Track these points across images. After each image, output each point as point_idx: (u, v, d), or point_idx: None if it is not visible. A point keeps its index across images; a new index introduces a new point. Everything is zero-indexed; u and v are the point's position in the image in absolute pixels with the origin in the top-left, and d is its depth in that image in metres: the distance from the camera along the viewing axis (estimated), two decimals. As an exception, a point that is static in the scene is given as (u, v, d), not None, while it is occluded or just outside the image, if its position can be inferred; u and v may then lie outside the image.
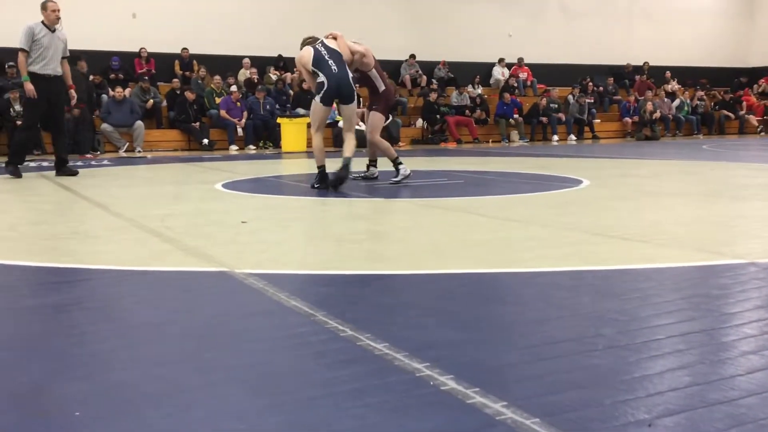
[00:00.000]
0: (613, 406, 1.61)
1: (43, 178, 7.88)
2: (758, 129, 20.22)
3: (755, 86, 21.87)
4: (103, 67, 15.03)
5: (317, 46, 6.56)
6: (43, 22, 7.81)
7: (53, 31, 7.81)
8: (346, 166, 6.28)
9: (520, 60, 19.31)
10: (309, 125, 7.75)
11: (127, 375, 1.86)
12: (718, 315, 2.36)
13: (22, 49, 7.67)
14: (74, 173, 8.12)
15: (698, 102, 19.96)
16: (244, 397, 1.70)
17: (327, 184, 6.32)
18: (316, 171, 6.50)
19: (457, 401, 1.64)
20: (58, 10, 7.86)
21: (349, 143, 6.55)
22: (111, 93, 14.05)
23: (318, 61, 6.43)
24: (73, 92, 8.37)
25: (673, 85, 20.26)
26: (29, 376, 1.87)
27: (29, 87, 7.68)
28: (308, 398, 1.69)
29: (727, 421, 1.52)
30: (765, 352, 1.97)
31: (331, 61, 6.44)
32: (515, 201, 5.65)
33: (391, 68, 17.83)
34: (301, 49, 6.70)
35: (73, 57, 9.21)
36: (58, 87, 7.96)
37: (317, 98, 6.46)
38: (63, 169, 8.11)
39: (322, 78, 6.38)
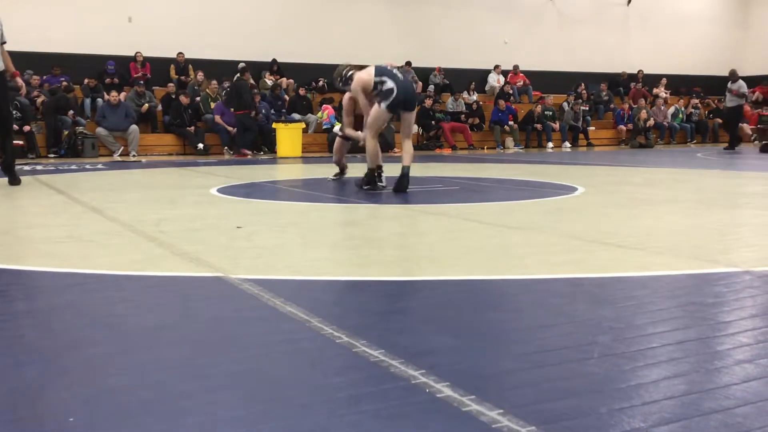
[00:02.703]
0: (609, 414, 1.61)
1: (37, 182, 7.85)
2: (752, 138, 20.29)
3: (749, 94, 21.94)
4: (99, 71, 15.02)
5: (370, 66, 6.78)
6: None
7: None
8: (406, 174, 6.53)
9: (516, 68, 19.36)
10: (338, 130, 8.03)
11: (122, 380, 1.85)
12: (713, 323, 2.36)
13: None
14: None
15: (692, 110, 20.04)
16: (239, 403, 1.69)
17: (376, 187, 6.58)
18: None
19: (453, 409, 1.64)
20: None
21: (409, 150, 6.79)
22: (106, 97, 14.04)
23: (382, 71, 6.61)
24: (19, 79, 7.53)
25: (661, 90, 20.28)
26: (23, 381, 1.86)
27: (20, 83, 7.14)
28: (303, 405, 1.68)
29: (723, 430, 1.52)
30: (760, 360, 1.97)
31: (395, 71, 6.68)
32: (511, 208, 5.66)
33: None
34: (344, 77, 6.86)
35: None
36: (4, 81, 7.22)
37: (383, 105, 6.54)
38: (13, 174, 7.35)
39: (391, 85, 6.51)
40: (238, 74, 14.11)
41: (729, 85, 16.06)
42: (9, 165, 7.37)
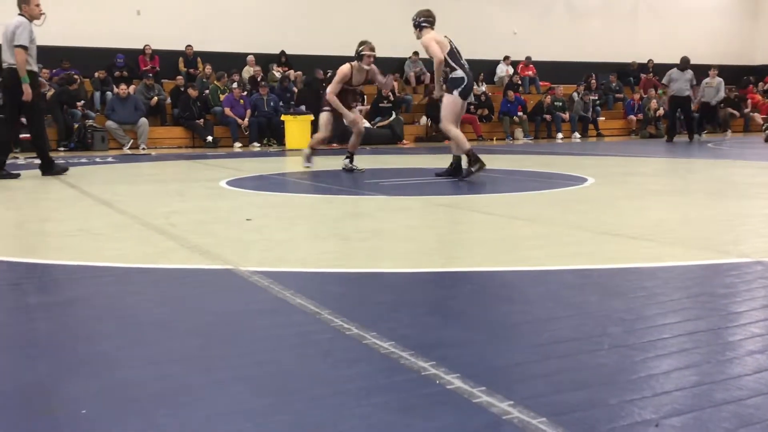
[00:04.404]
0: (620, 405, 1.60)
1: (48, 176, 7.89)
2: (763, 127, 20.15)
3: (760, 84, 21.80)
4: (108, 65, 15.05)
5: (447, 37, 6.79)
6: (23, 15, 7.43)
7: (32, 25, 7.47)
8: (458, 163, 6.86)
9: (528, 59, 19.25)
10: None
11: (133, 373, 1.86)
12: (725, 314, 2.35)
13: (22, 46, 7.28)
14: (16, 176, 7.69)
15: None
16: (249, 395, 1.69)
17: (480, 168, 6.64)
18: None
19: (463, 400, 1.64)
20: (41, 5, 7.51)
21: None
22: (115, 90, 14.08)
23: (453, 54, 6.70)
24: (41, 79, 8.06)
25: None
26: (35, 374, 1.87)
27: (28, 90, 7.38)
28: (314, 397, 1.68)
29: (735, 420, 1.52)
30: (772, 351, 1.96)
31: (462, 59, 6.74)
32: (520, 199, 5.64)
33: (395, 66, 17.82)
34: (419, 22, 6.92)
35: None
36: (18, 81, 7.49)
37: (455, 92, 6.67)
38: (5, 171, 7.65)
39: (461, 73, 6.67)
40: (313, 73, 15.00)
41: (681, 74, 14.96)
42: (50, 160, 7.96)
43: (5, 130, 7.82)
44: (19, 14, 7.49)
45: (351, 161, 8.03)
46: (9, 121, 7.74)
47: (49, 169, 7.88)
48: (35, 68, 7.64)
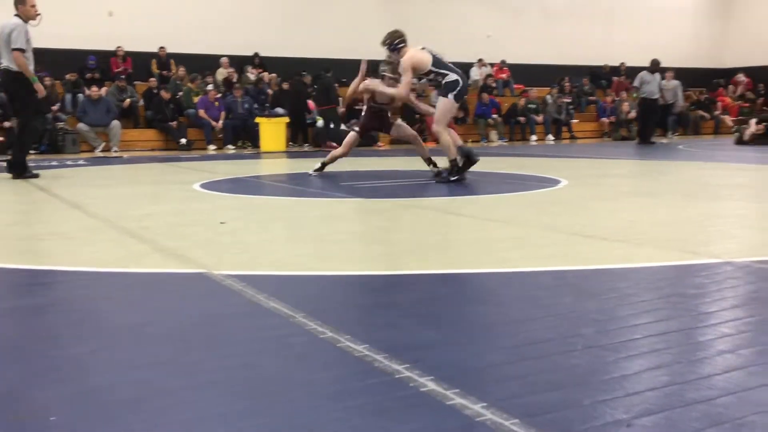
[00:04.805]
0: (593, 406, 1.62)
1: (17, 179, 7.76)
2: (733, 129, 20.46)
3: (730, 87, 22.15)
4: (79, 66, 14.88)
5: (425, 48, 6.71)
6: (19, 16, 7.49)
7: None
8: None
9: (503, 62, 19.36)
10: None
11: (104, 379, 1.84)
12: (695, 314, 2.38)
13: (20, 49, 7.32)
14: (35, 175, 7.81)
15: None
16: (223, 400, 1.68)
17: (463, 176, 6.61)
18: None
19: (437, 402, 1.64)
20: (36, 5, 7.59)
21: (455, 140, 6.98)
22: (87, 92, 13.91)
23: (438, 62, 6.66)
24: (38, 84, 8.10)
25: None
26: (4, 380, 1.84)
27: (41, 87, 7.53)
28: (289, 401, 1.68)
29: (705, 420, 1.54)
30: (741, 351, 1.99)
31: (449, 63, 6.69)
32: (495, 201, 5.67)
33: (371, 67, 17.81)
34: (394, 44, 6.80)
35: None
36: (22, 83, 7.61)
37: (450, 96, 6.61)
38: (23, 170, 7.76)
39: (454, 77, 6.62)
40: (324, 73, 14.98)
41: (652, 77, 14.98)
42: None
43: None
44: (15, 15, 7.51)
45: (435, 165, 7.54)
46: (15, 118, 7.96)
47: (22, 172, 7.77)
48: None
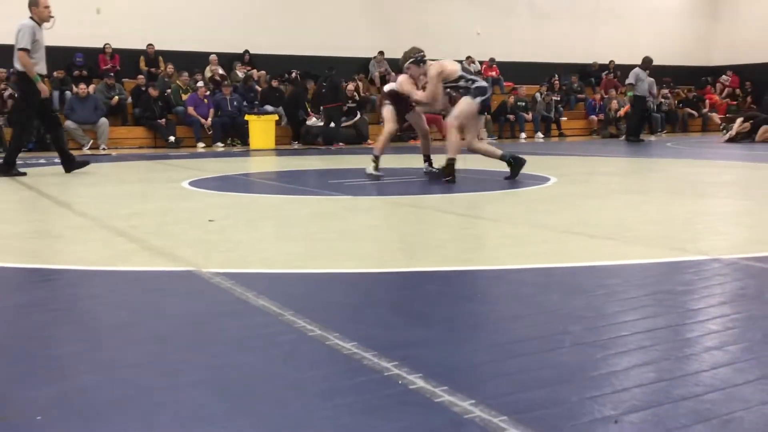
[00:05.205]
0: (580, 403, 1.62)
1: (3, 176, 7.72)
2: (721, 127, 20.58)
3: (718, 85, 22.27)
4: (67, 64, 14.78)
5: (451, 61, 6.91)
6: (32, 18, 7.61)
7: (41, 28, 7.71)
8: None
9: (492, 60, 19.37)
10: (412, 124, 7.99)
11: (91, 378, 1.83)
12: (683, 311, 2.39)
13: (24, 49, 7.41)
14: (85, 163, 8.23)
15: (663, 100, 20.24)
16: (211, 399, 1.68)
17: (449, 180, 6.59)
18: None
19: (425, 400, 1.64)
20: (50, 7, 7.71)
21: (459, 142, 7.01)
22: (75, 90, 13.83)
23: (466, 69, 6.86)
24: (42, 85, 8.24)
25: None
26: (-10, 380, 1.83)
27: (44, 87, 7.58)
28: (277, 399, 1.67)
29: (692, 416, 1.54)
30: (728, 347, 2.00)
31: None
32: (484, 198, 5.68)
33: (360, 66, 17.81)
34: (421, 60, 6.82)
35: None
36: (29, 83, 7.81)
37: (477, 100, 6.62)
38: (74, 162, 8.06)
39: (485, 84, 6.80)
40: (329, 71, 15.01)
41: (645, 74, 14.95)
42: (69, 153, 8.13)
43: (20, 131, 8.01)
44: (30, 17, 7.61)
45: (431, 164, 7.49)
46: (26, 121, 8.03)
47: (9, 169, 7.77)
48: (44, 70, 7.75)
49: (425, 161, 7.57)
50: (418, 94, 6.92)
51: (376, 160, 7.21)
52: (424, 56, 6.95)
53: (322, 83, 15.20)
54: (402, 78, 7.17)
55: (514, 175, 6.78)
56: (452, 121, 6.80)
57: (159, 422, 1.56)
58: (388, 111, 7.53)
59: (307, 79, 15.78)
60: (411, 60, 6.92)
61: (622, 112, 18.08)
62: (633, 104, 15.39)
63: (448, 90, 6.75)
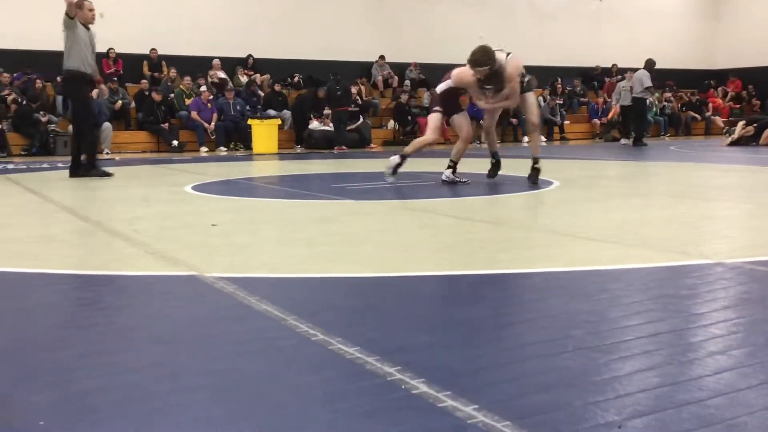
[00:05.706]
0: (584, 407, 1.62)
1: (8, 181, 7.74)
2: (724, 130, 20.55)
3: (720, 89, 22.24)
4: (70, 68, 14.80)
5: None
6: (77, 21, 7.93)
7: (88, 29, 8.11)
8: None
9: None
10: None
11: (94, 382, 1.82)
12: (686, 315, 2.38)
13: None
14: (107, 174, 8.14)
15: (666, 103, 20.22)
16: (213, 403, 1.67)
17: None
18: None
19: (428, 405, 1.64)
20: (94, 10, 8.12)
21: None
22: (78, 94, 13.83)
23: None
24: (104, 87, 8.53)
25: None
26: (-8, 384, 1.83)
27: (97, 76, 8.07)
28: (279, 404, 1.67)
29: (696, 421, 1.54)
30: (732, 352, 2.00)
31: None
32: (486, 202, 5.68)
33: (362, 70, 17.82)
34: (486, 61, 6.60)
35: None
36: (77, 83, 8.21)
37: (532, 91, 6.96)
38: (80, 169, 8.11)
39: (529, 76, 7.05)
40: (334, 76, 15.06)
41: (645, 78, 14.98)
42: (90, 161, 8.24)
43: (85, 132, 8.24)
44: (69, 17, 7.97)
45: (454, 171, 6.98)
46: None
47: (78, 170, 8.07)
48: (89, 70, 8.16)
49: (449, 167, 6.97)
50: (504, 104, 7.03)
51: (397, 167, 6.96)
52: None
53: (335, 87, 15.23)
54: (462, 71, 6.78)
55: (492, 176, 7.18)
56: (536, 120, 7.10)
57: (161, 426, 1.56)
58: (434, 119, 7.11)
59: (319, 87, 15.73)
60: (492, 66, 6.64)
61: (610, 115, 18.01)
62: (634, 107, 15.35)
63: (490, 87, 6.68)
